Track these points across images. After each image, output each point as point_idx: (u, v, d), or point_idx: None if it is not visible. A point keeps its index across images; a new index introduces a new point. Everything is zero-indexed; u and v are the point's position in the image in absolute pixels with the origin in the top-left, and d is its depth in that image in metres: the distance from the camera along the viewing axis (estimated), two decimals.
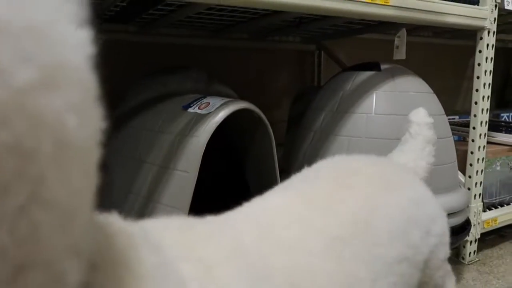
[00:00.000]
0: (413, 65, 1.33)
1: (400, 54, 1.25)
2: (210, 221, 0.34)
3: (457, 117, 1.89)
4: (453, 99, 2.17)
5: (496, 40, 1.14)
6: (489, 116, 1.20)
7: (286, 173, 1.16)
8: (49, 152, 0.15)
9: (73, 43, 0.16)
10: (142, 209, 0.83)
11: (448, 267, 0.58)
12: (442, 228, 0.51)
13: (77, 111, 0.16)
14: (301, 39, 1.69)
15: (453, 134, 1.14)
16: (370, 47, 1.72)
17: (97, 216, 0.23)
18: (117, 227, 0.23)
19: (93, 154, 0.18)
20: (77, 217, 0.17)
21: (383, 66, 1.09)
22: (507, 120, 1.96)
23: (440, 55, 2.08)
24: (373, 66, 1.10)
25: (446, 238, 0.53)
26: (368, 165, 0.51)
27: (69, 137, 0.16)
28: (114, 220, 0.24)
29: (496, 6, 1.11)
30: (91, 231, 0.19)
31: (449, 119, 1.85)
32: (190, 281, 0.25)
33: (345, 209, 0.41)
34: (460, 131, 1.52)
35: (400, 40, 1.26)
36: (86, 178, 0.18)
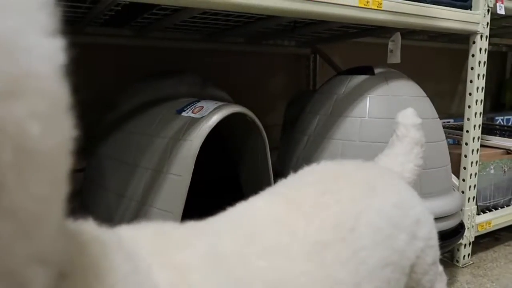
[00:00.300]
0: (409, 68, 1.34)
1: (395, 57, 1.25)
2: (190, 226, 0.34)
3: (452, 120, 1.89)
4: (448, 102, 2.18)
5: (491, 44, 1.15)
6: (484, 120, 1.20)
7: (281, 177, 1.16)
8: (8, 160, 0.15)
9: (40, 52, 0.16)
10: (136, 213, 0.83)
11: (438, 269, 0.57)
12: (428, 232, 0.51)
13: (42, 120, 0.16)
14: (296, 43, 1.69)
15: (447, 137, 1.14)
16: (365, 50, 1.73)
17: (70, 223, 0.23)
18: (90, 235, 0.23)
19: (61, 162, 0.18)
20: (42, 225, 0.17)
21: (377, 70, 1.10)
22: (502, 123, 1.97)
23: (435, 59, 2.09)
24: (367, 70, 1.11)
25: (433, 241, 0.53)
26: (353, 170, 0.51)
27: (31, 145, 0.16)
28: (88, 227, 0.24)
29: (488, 10, 1.12)
30: (60, 240, 0.19)
31: (444, 122, 1.86)
32: None
33: (329, 214, 0.41)
34: (455, 134, 1.53)
35: (394, 44, 1.26)
36: (52, 186, 0.17)
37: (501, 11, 1.14)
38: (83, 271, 0.21)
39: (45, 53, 0.17)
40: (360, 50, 1.76)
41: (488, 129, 1.64)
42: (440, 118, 1.12)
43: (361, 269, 0.40)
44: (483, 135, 1.28)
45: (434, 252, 0.53)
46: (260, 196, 0.45)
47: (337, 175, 0.49)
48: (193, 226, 0.35)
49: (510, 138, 1.45)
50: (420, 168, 0.65)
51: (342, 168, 0.52)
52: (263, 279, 0.32)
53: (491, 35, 1.15)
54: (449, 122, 1.86)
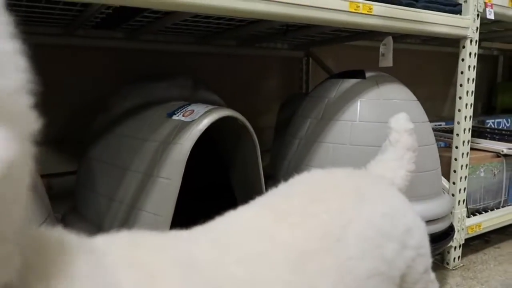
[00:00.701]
0: (401, 71, 1.35)
1: (387, 61, 1.26)
2: (170, 235, 0.34)
3: (443, 123, 1.90)
4: (440, 105, 2.19)
5: (482, 48, 1.16)
6: (475, 123, 1.21)
7: (273, 180, 1.17)
8: None
9: (15, 85, 0.20)
10: (126, 216, 0.83)
11: (430, 277, 0.56)
12: (419, 240, 0.50)
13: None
14: (289, 46, 1.70)
15: (439, 140, 1.15)
16: (358, 53, 1.74)
17: (38, 228, 0.24)
18: (54, 239, 0.25)
19: (25, 172, 0.20)
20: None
21: (367, 74, 1.11)
22: (493, 126, 1.98)
23: (428, 62, 2.10)
24: (358, 73, 1.11)
25: (425, 250, 0.52)
26: (342, 179, 0.51)
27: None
28: (55, 233, 0.26)
29: (478, 15, 1.13)
30: (20, 239, 0.21)
31: (436, 125, 1.87)
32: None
33: (316, 223, 0.41)
34: (446, 137, 1.54)
35: (386, 48, 1.27)
36: (16, 190, 0.20)
37: (490, 16, 1.16)
38: (38, 272, 0.22)
39: (19, 85, 0.20)
40: (354, 53, 1.77)
41: (478, 132, 1.65)
42: (432, 121, 1.13)
43: (347, 279, 0.39)
44: (473, 138, 1.28)
45: (425, 260, 0.52)
46: (249, 206, 0.44)
47: (326, 185, 0.48)
48: (174, 234, 0.35)
49: (500, 141, 1.46)
50: (411, 173, 0.64)
51: (332, 177, 0.51)
52: (238, 286, 0.32)
53: (482, 39, 1.16)
54: (440, 125, 1.87)
